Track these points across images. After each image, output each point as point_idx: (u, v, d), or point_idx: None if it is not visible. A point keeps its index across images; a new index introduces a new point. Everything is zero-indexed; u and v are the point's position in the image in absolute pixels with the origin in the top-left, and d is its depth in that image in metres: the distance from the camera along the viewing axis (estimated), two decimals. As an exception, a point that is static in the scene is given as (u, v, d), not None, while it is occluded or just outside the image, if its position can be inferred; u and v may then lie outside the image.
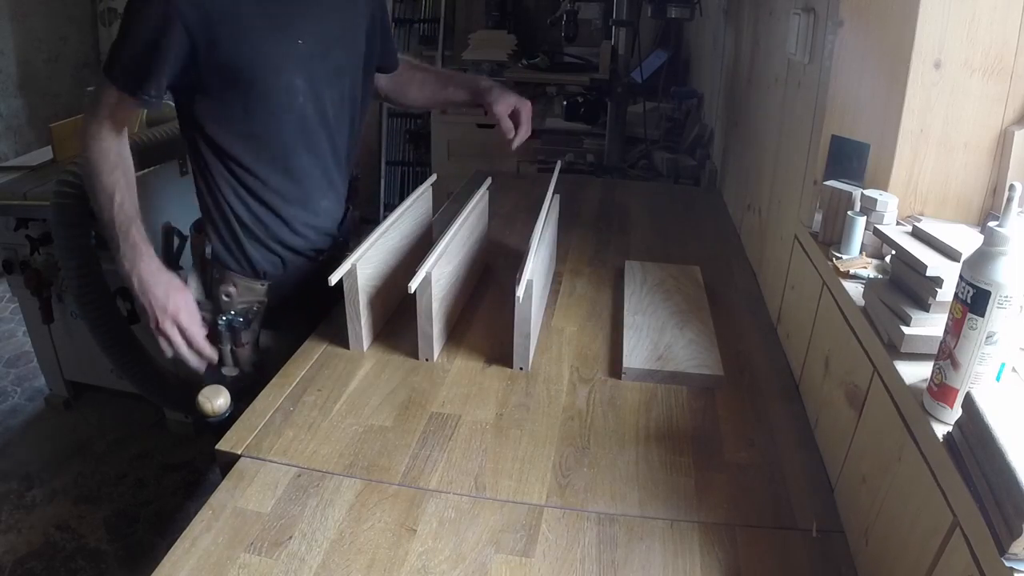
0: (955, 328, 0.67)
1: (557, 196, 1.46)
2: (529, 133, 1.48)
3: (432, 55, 4.36)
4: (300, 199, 1.29)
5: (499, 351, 1.21)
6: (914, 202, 1.02)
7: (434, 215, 1.59)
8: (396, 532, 0.85)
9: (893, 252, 0.90)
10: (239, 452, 0.97)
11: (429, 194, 1.51)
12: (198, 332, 1.25)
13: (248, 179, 1.23)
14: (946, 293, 0.77)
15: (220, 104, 1.17)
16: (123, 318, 1.89)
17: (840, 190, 1.05)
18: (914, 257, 0.83)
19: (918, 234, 0.89)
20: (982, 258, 0.64)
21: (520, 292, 1.09)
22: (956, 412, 0.67)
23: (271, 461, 0.96)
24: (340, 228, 1.42)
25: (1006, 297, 0.63)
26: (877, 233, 0.96)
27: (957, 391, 0.68)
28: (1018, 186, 0.63)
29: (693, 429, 1.05)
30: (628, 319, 1.29)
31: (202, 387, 1.18)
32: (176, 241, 2.12)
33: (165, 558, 0.80)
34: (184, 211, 2.22)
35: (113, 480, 2.22)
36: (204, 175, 1.25)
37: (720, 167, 2.22)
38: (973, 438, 0.62)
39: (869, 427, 0.85)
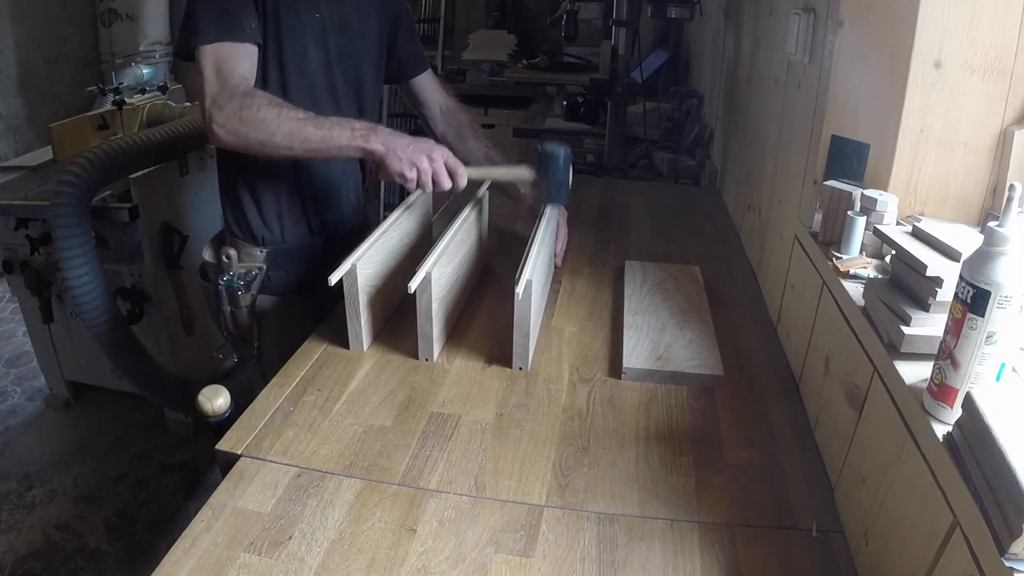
0: (955, 328, 0.67)
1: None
2: (565, 240, 1.54)
3: (432, 55, 4.36)
4: (299, 170, 1.35)
5: (499, 351, 1.21)
6: (914, 202, 1.02)
7: (434, 215, 1.59)
8: (396, 532, 0.85)
9: (893, 252, 0.90)
10: (239, 452, 0.97)
11: (429, 194, 1.51)
12: (442, 157, 1.20)
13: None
14: (946, 293, 0.77)
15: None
16: (123, 318, 1.89)
17: (840, 190, 1.05)
18: (914, 257, 0.83)
19: (918, 234, 0.89)
20: (982, 258, 0.64)
21: (520, 291, 1.09)
22: (956, 412, 0.67)
23: (271, 461, 0.96)
24: (349, 211, 1.48)
25: (1006, 297, 0.63)
26: (877, 233, 0.96)
27: (957, 391, 0.68)
28: (1018, 186, 0.63)
29: (693, 429, 1.05)
30: (628, 319, 1.29)
31: (202, 387, 1.18)
32: (177, 241, 2.13)
33: (165, 558, 0.80)
34: (184, 211, 2.23)
35: (113, 480, 2.22)
36: (218, 149, 1.32)
37: (720, 167, 2.22)
38: (973, 438, 0.62)
39: (869, 427, 0.85)
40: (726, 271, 1.58)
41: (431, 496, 0.91)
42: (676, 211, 1.99)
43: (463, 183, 1.21)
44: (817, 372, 1.07)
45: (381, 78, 1.46)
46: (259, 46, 1.20)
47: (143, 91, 2.62)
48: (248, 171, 1.34)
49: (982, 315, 0.64)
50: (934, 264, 0.80)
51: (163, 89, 2.64)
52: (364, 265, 1.17)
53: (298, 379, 1.14)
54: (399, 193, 4.23)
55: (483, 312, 1.36)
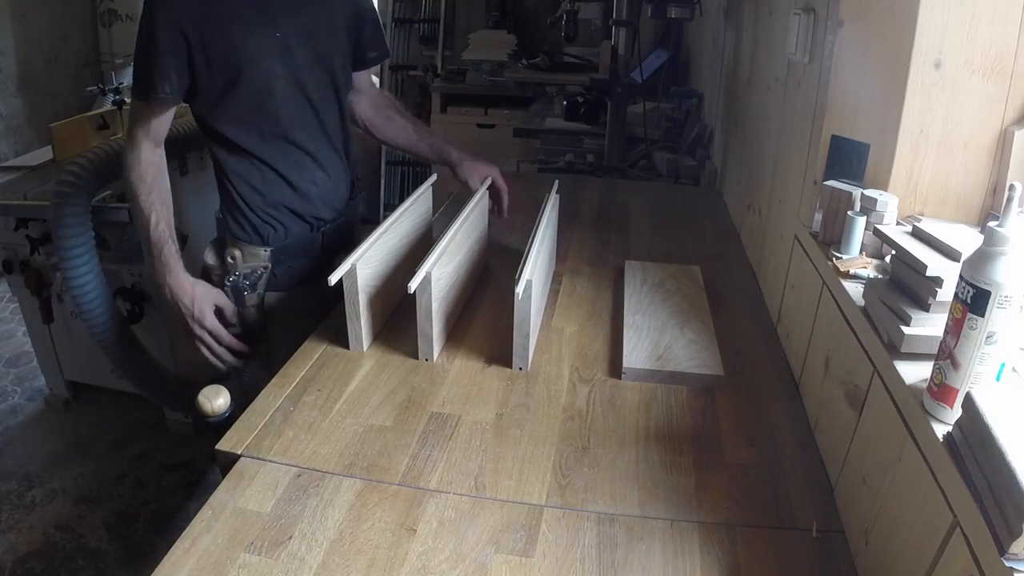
0: (955, 328, 0.67)
1: (557, 196, 1.46)
2: (507, 193, 1.61)
3: (432, 55, 4.37)
4: (292, 171, 1.39)
5: (499, 351, 1.21)
6: (914, 202, 1.02)
7: (434, 215, 1.59)
8: (396, 532, 0.85)
9: (893, 252, 0.90)
10: (239, 452, 0.97)
11: (429, 194, 1.51)
12: (223, 332, 1.37)
13: (244, 155, 1.35)
14: (946, 293, 0.77)
15: (214, 95, 1.29)
16: (123, 318, 1.89)
17: (840, 190, 1.05)
18: (914, 257, 0.83)
19: (918, 234, 0.89)
20: (982, 258, 0.64)
21: (519, 291, 1.09)
22: (956, 412, 0.67)
23: (271, 461, 0.96)
24: (342, 205, 1.51)
25: (1006, 297, 0.63)
26: (877, 233, 0.96)
27: (957, 391, 0.68)
28: (1018, 186, 0.63)
29: (693, 429, 1.05)
30: (628, 319, 1.29)
31: (202, 387, 1.18)
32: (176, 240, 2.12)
33: (165, 558, 0.80)
34: (184, 211, 2.22)
35: (113, 480, 2.22)
36: (213, 155, 1.39)
37: (720, 167, 2.22)
38: (973, 438, 0.62)
39: (869, 427, 0.85)
40: (726, 271, 1.58)
41: (431, 496, 0.91)
42: (676, 211, 1.99)
43: (229, 314, 1.39)
44: (817, 372, 1.07)
45: (351, 71, 1.49)
46: (190, 97, 1.30)
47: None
48: (245, 173, 1.37)
49: (982, 315, 0.64)
50: (934, 264, 0.80)
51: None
52: (364, 265, 1.17)
53: (298, 379, 1.14)
54: (398, 193, 4.23)
55: (483, 312, 1.36)
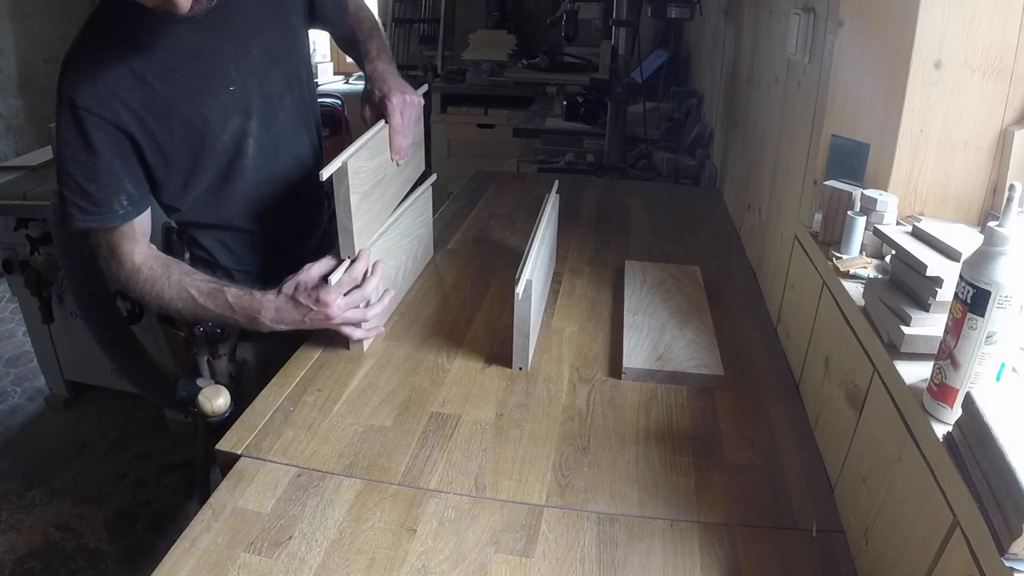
0: (955, 328, 0.67)
1: (557, 196, 1.46)
2: (408, 138, 1.26)
3: (432, 55, 4.37)
4: (269, 229, 1.28)
5: (499, 351, 1.21)
6: (914, 202, 1.02)
7: (434, 215, 1.59)
8: (396, 532, 0.85)
9: (893, 252, 0.90)
10: (239, 452, 0.97)
11: (429, 194, 1.51)
12: (356, 314, 1.14)
13: (218, 231, 1.25)
14: (946, 293, 0.77)
15: (176, 182, 1.16)
16: (123, 318, 1.89)
17: (840, 190, 1.05)
18: (914, 257, 0.83)
19: (918, 234, 0.89)
20: (982, 258, 0.64)
21: (519, 291, 1.09)
22: (956, 412, 0.67)
23: (271, 461, 0.96)
24: (320, 235, 1.42)
25: (1006, 297, 0.63)
26: (877, 233, 0.96)
27: (957, 391, 0.68)
28: (1018, 186, 0.63)
29: (693, 429, 1.05)
30: (628, 319, 1.29)
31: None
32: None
33: (165, 558, 0.80)
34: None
35: (113, 480, 2.22)
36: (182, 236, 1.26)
37: (720, 167, 2.22)
38: (973, 438, 0.62)
39: (869, 427, 0.85)
40: (726, 271, 1.58)
41: (431, 496, 0.91)
42: (676, 211, 1.99)
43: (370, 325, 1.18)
44: (817, 372, 1.07)
45: (310, 61, 1.35)
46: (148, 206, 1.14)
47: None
48: (217, 247, 1.27)
49: (982, 315, 0.64)
50: (934, 264, 0.80)
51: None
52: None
53: (298, 379, 1.14)
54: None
55: (483, 312, 1.36)
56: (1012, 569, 0.54)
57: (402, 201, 1.36)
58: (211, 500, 0.89)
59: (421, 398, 1.10)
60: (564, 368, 1.19)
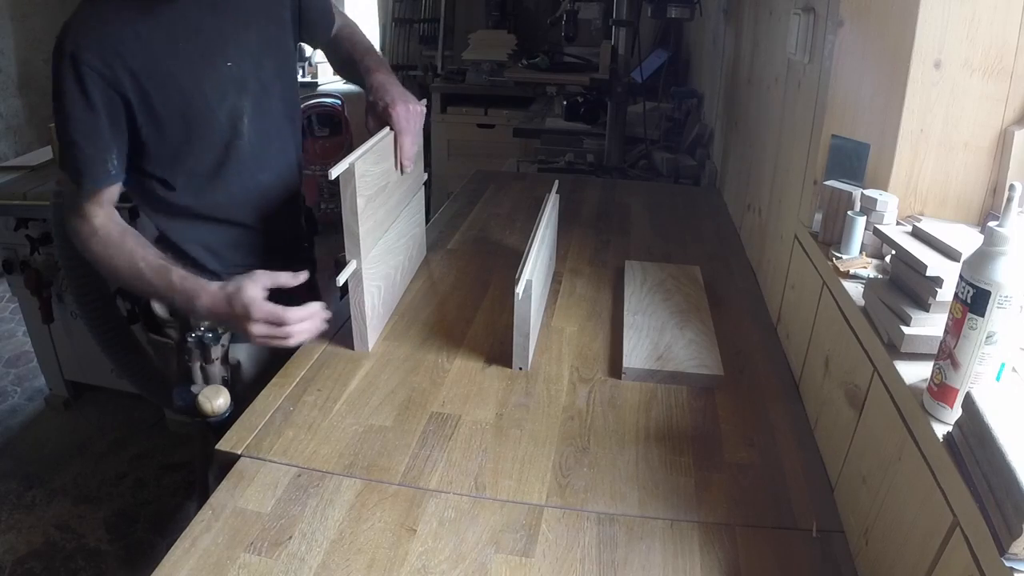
0: (955, 328, 0.67)
1: (557, 196, 1.46)
2: (415, 145, 1.29)
3: (432, 55, 4.37)
4: (253, 217, 1.27)
5: (499, 351, 1.21)
6: (914, 202, 1.02)
7: (434, 215, 1.60)
8: (396, 532, 0.85)
9: (893, 252, 0.90)
10: (239, 452, 0.97)
11: (422, 194, 1.51)
12: (280, 312, 1.11)
13: (202, 218, 1.23)
14: (946, 293, 0.77)
15: (166, 153, 1.15)
16: (123, 318, 1.89)
17: (840, 190, 1.05)
18: (914, 257, 0.83)
19: (918, 234, 0.89)
20: (982, 258, 0.64)
21: (519, 291, 1.09)
22: (956, 412, 0.67)
23: (271, 461, 0.96)
24: (304, 235, 1.42)
25: (1006, 297, 0.63)
26: (877, 233, 0.96)
27: (957, 391, 0.68)
28: (1018, 186, 0.63)
29: (693, 429, 1.05)
30: (628, 319, 1.29)
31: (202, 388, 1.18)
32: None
33: (165, 558, 0.80)
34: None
35: (113, 480, 2.22)
36: (158, 225, 1.24)
37: (720, 167, 2.22)
38: (973, 438, 0.62)
39: (869, 427, 0.85)
40: (726, 271, 1.58)
41: (431, 496, 0.91)
42: (676, 211, 1.99)
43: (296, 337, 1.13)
44: (817, 372, 1.07)
45: (296, 56, 1.37)
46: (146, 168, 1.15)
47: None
48: (202, 237, 1.25)
49: (982, 315, 0.64)
50: (934, 264, 0.80)
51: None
52: (368, 265, 1.17)
53: (298, 379, 1.14)
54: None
55: (483, 312, 1.36)
56: (1012, 569, 0.54)
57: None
58: (211, 500, 0.89)
59: (421, 398, 1.10)
60: (564, 368, 1.19)
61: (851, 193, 1.03)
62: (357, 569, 0.80)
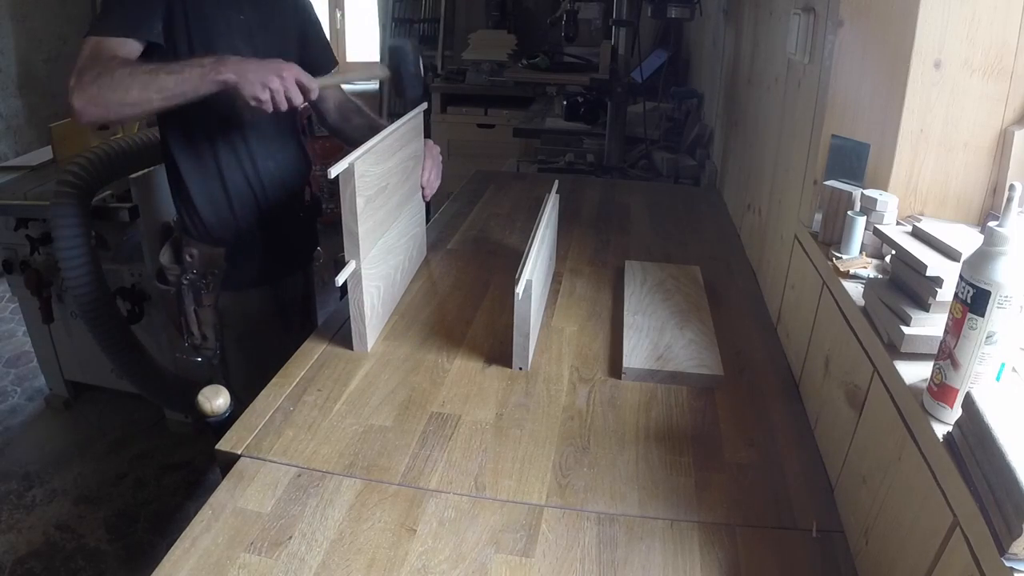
0: (955, 328, 0.67)
1: (557, 196, 1.46)
2: (436, 177, 1.51)
3: (432, 55, 4.37)
4: (245, 164, 1.40)
5: (499, 351, 1.21)
6: (914, 202, 1.02)
7: (434, 215, 1.60)
8: (396, 532, 0.85)
9: (893, 252, 0.90)
10: (239, 452, 0.97)
11: (419, 195, 1.50)
12: (306, 81, 1.21)
13: (197, 150, 1.36)
14: (946, 293, 0.77)
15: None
16: (123, 318, 1.89)
17: (840, 190, 1.05)
18: (914, 257, 0.83)
19: (918, 234, 0.89)
20: (982, 258, 0.64)
21: (519, 291, 1.09)
22: (956, 412, 0.67)
23: (271, 461, 0.96)
24: (300, 202, 1.54)
25: (1006, 297, 0.63)
26: (877, 233, 0.96)
27: (957, 391, 0.68)
28: (1018, 186, 0.63)
29: (693, 429, 1.05)
30: (628, 319, 1.29)
31: (201, 387, 1.18)
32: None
33: (165, 558, 0.80)
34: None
35: (113, 480, 2.22)
36: (166, 154, 1.39)
37: (720, 167, 2.22)
38: (973, 438, 0.62)
39: (869, 427, 0.85)
40: (726, 271, 1.58)
41: (431, 496, 0.91)
42: (676, 211, 1.99)
43: (315, 95, 1.24)
44: (817, 372, 1.07)
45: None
46: (159, 45, 1.23)
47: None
48: (198, 171, 1.39)
49: (982, 315, 0.64)
50: (934, 264, 0.80)
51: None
52: (367, 265, 1.17)
53: (298, 379, 1.14)
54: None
55: (483, 312, 1.36)
56: (1012, 569, 0.54)
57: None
58: (211, 500, 0.89)
59: (421, 398, 1.10)
60: (564, 368, 1.19)
61: (851, 193, 1.03)
62: (357, 569, 0.80)
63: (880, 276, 0.96)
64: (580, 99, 2.63)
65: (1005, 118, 0.95)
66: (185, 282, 1.42)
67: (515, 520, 0.87)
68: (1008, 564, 0.54)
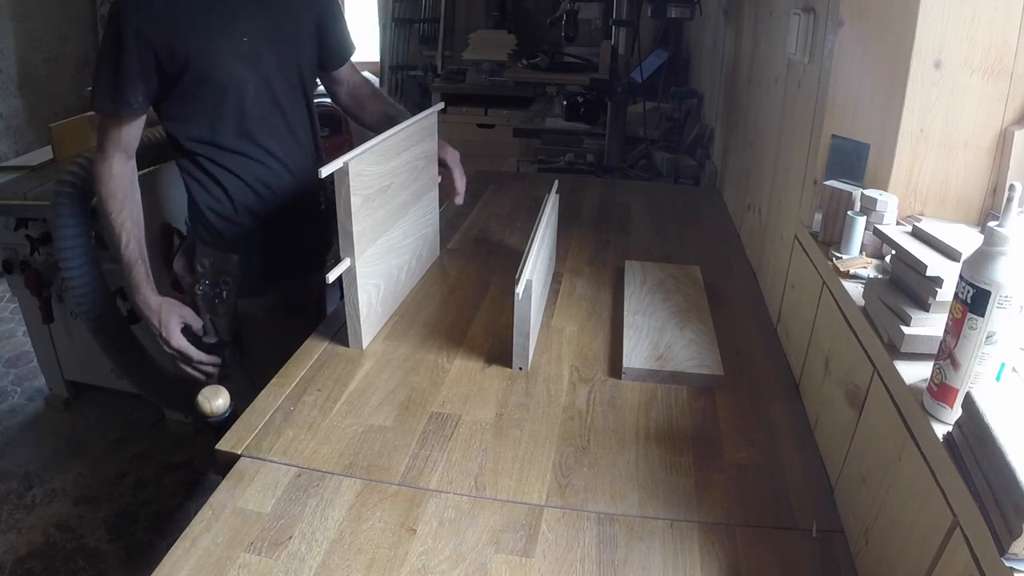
0: (955, 328, 0.67)
1: (557, 196, 1.46)
2: (463, 179, 1.55)
3: (432, 55, 4.37)
4: (259, 176, 1.40)
5: (499, 351, 1.21)
6: (914, 202, 1.02)
7: (441, 206, 1.59)
8: (396, 532, 0.85)
9: (893, 252, 0.90)
10: (239, 452, 0.97)
11: (435, 194, 1.51)
12: (191, 350, 1.37)
13: (210, 162, 1.36)
14: (946, 293, 0.77)
15: (182, 102, 1.30)
16: (123, 318, 1.89)
17: (840, 190, 1.05)
18: (914, 257, 0.83)
19: (918, 234, 0.89)
20: (982, 258, 0.64)
21: (519, 291, 1.09)
22: (956, 412, 0.67)
23: (271, 461, 0.96)
24: (313, 211, 1.51)
25: (1006, 297, 0.63)
26: (877, 233, 0.96)
27: (957, 391, 0.68)
28: (1018, 186, 0.63)
29: (693, 429, 1.05)
30: (628, 319, 1.29)
31: (202, 387, 1.18)
32: (176, 241, 2.12)
33: (165, 558, 0.80)
34: (184, 211, 2.23)
35: (113, 480, 2.22)
36: (179, 164, 1.40)
37: (720, 167, 2.22)
38: (973, 438, 0.62)
39: (869, 427, 0.85)
40: (726, 271, 1.58)
41: (431, 496, 0.91)
42: (676, 211, 1.99)
43: (196, 355, 1.38)
44: (817, 372, 1.07)
45: (316, 70, 1.50)
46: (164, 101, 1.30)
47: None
48: (211, 180, 1.37)
49: (982, 315, 0.64)
50: (934, 264, 0.80)
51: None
52: (364, 264, 1.17)
53: (298, 379, 1.14)
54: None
55: (483, 312, 1.36)
56: (1012, 569, 0.54)
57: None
58: (211, 500, 0.89)
59: (421, 398, 1.10)
60: (564, 368, 1.19)
61: (851, 193, 1.03)
62: (357, 569, 0.80)
63: (880, 276, 0.96)
64: (580, 99, 2.63)
65: (1005, 118, 0.95)
66: (198, 292, 1.41)
67: (515, 520, 0.87)
68: (1008, 564, 0.54)
